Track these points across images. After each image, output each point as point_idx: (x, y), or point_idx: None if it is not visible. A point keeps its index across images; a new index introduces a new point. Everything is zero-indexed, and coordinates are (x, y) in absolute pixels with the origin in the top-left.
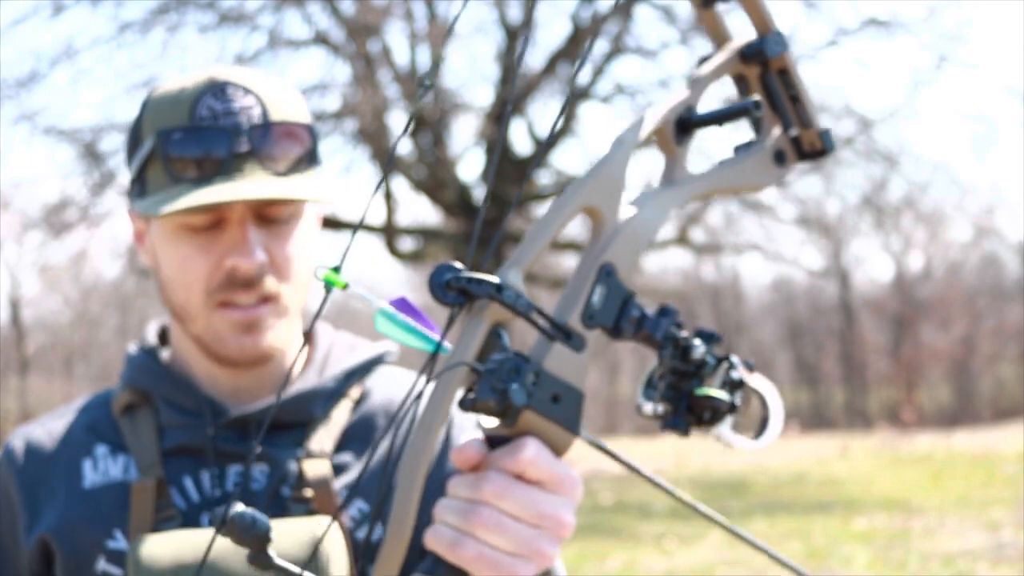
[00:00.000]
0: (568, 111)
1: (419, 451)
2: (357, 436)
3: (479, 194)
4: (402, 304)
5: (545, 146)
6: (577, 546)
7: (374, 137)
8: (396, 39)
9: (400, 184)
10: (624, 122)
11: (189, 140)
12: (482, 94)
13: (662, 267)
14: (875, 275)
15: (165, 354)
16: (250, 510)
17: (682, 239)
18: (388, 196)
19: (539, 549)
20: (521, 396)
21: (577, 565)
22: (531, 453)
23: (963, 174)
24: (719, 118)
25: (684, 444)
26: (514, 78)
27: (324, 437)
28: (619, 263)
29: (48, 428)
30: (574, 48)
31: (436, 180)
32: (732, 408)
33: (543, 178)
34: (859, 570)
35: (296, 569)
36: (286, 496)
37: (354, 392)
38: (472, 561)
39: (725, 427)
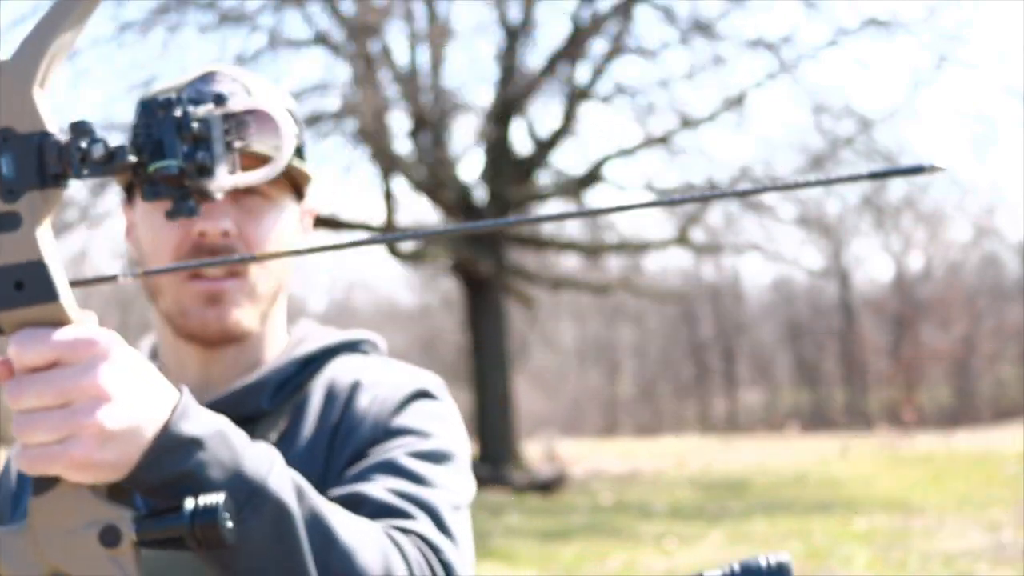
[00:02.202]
0: (569, 111)
1: None
2: (299, 425)
3: (479, 194)
4: None
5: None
6: (577, 546)
7: (374, 137)
8: (396, 39)
9: (400, 184)
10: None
11: None
12: (482, 94)
13: (662, 267)
14: (875, 275)
15: (155, 365)
16: None
17: (682, 239)
18: (388, 196)
19: (79, 423)
20: None
21: (577, 565)
22: (14, 350)
23: (963, 174)
24: None
25: (684, 445)
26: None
27: (268, 430)
28: (15, 121)
29: None
30: (574, 48)
31: (436, 180)
32: (182, 172)
33: (543, 178)
34: (859, 570)
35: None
36: None
37: (308, 381)
38: (30, 467)
39: (221, 177)
